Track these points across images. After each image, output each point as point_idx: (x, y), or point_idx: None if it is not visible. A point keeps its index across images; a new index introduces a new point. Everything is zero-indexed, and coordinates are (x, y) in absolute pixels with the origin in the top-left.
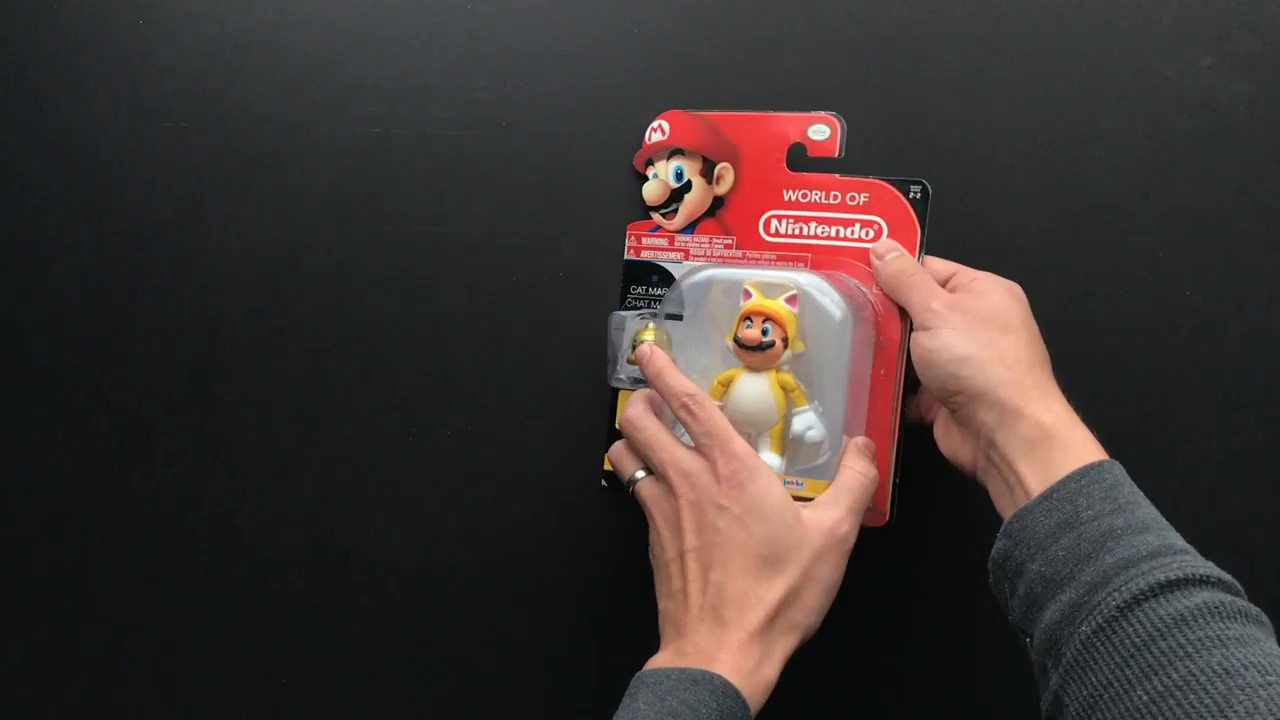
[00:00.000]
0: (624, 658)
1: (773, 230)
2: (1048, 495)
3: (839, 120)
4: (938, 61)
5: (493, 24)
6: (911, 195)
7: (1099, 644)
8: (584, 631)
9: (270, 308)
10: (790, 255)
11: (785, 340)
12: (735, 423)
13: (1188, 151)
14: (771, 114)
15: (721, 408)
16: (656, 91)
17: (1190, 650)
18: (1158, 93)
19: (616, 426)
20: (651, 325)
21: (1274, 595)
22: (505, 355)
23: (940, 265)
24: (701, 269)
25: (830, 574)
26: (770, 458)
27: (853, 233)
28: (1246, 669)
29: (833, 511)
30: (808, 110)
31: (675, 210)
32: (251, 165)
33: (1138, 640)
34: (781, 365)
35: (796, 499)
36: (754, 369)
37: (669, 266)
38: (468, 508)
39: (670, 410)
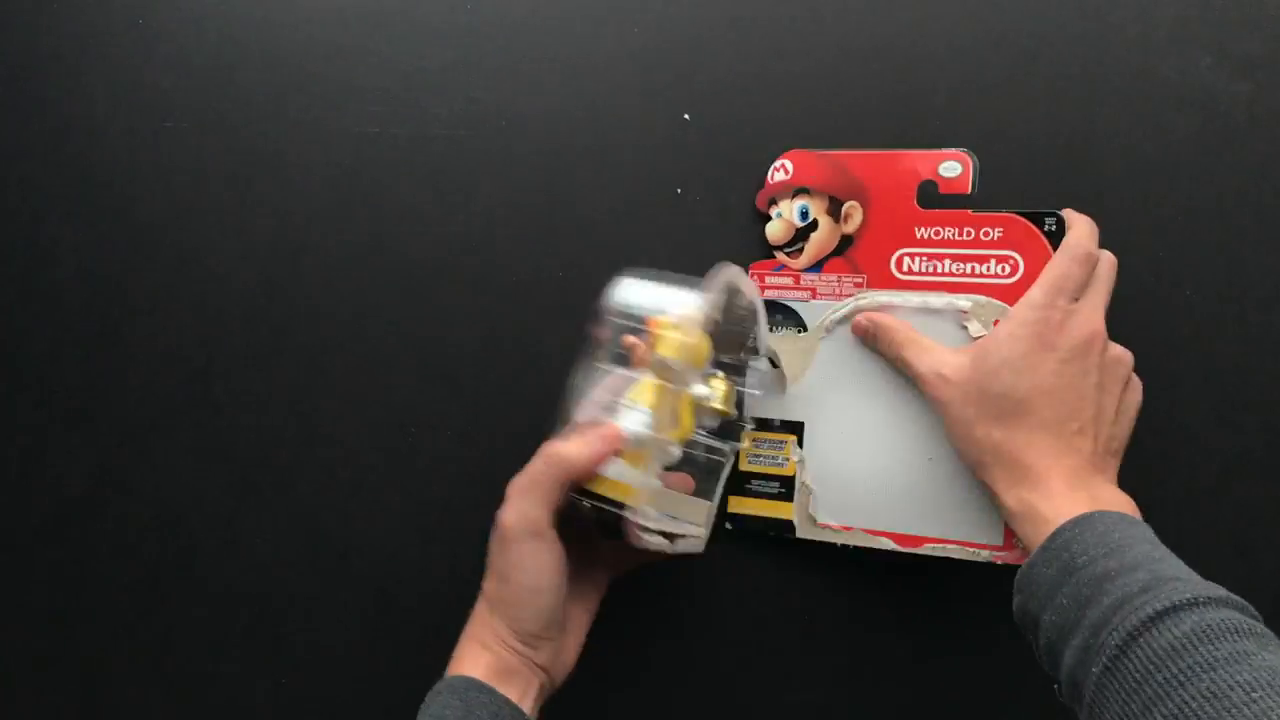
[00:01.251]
0: (623, 657)
1: (905, 268)
2: (1045, 548)
3: (971, 156)
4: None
5: (493, 24)
6: (1046, 228)
7: (1108, 683)
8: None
9: (270, 308)
10: (925, 285)
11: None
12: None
13: (1188, 151)
14: (901, 152)
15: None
16: (657, 91)
17: (1182, 679)
18: (1158, 93)
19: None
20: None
21: (1274, 595)
22: (505, 355)
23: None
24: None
25: (506, 566)
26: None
27: (988, 269)
28: (1233, 689)
29: (502, 509)
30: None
31: (800, 249)
32: (251, 165)
33: (1138, 675)
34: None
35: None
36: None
37: (795, 306)
38: (468, 508)
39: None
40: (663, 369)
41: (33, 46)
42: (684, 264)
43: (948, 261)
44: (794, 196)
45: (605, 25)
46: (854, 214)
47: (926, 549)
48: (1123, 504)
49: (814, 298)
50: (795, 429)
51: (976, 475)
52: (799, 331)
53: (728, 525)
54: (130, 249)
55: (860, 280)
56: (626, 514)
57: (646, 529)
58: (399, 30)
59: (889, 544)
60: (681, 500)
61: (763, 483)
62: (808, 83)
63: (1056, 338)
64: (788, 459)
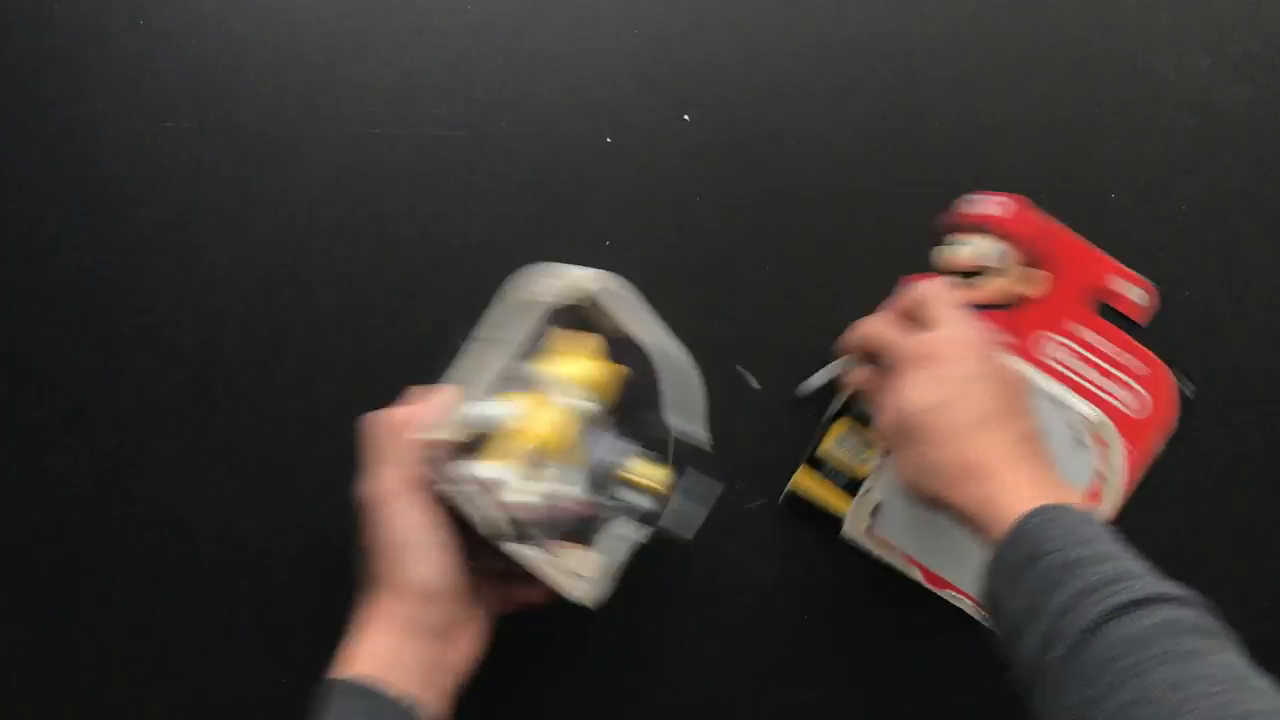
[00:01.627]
0: (621, 656)
1: (1050, 354)
2: (1011, 533)
3: (1159, 294)
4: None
5: (492, 24)
6: (1183, 391)
7: (1068, 667)
8: (583, 630)
9: (270, 308)
10: (1060, 377)
11: None
12: None
13: (1188, 151)
14: (1104, 255)
15: None
16: (657, 91)
17: (1146, 668)
18: (1157, 93)
19: None
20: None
21: (1274, 595)
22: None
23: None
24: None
25: (375, 535)
26: None
27: (1119, 393)
28: (1196, 681)
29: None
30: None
31: (973, 283)
32: (251, 165)
33: (1100, 661)
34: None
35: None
36: None
37: None
38: None
39: None
40: (539, 377)
41: (33, 46)
42: (684, 263)
43: (1089, 367)
44: (997, 237)
45: (605, 25)
46: (1041, 282)
47: (946, 594)
48: (1077, 498)
49: None
50: None
51: (933, 508)
52: None
53: (782, 500)
54: (130, 249)
55: (1004, 339)
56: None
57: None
58: (400, 31)
59: (918, 575)
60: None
61: (835, 470)
62: (808, 82)
63: (943, 360)
64: (867, 459)
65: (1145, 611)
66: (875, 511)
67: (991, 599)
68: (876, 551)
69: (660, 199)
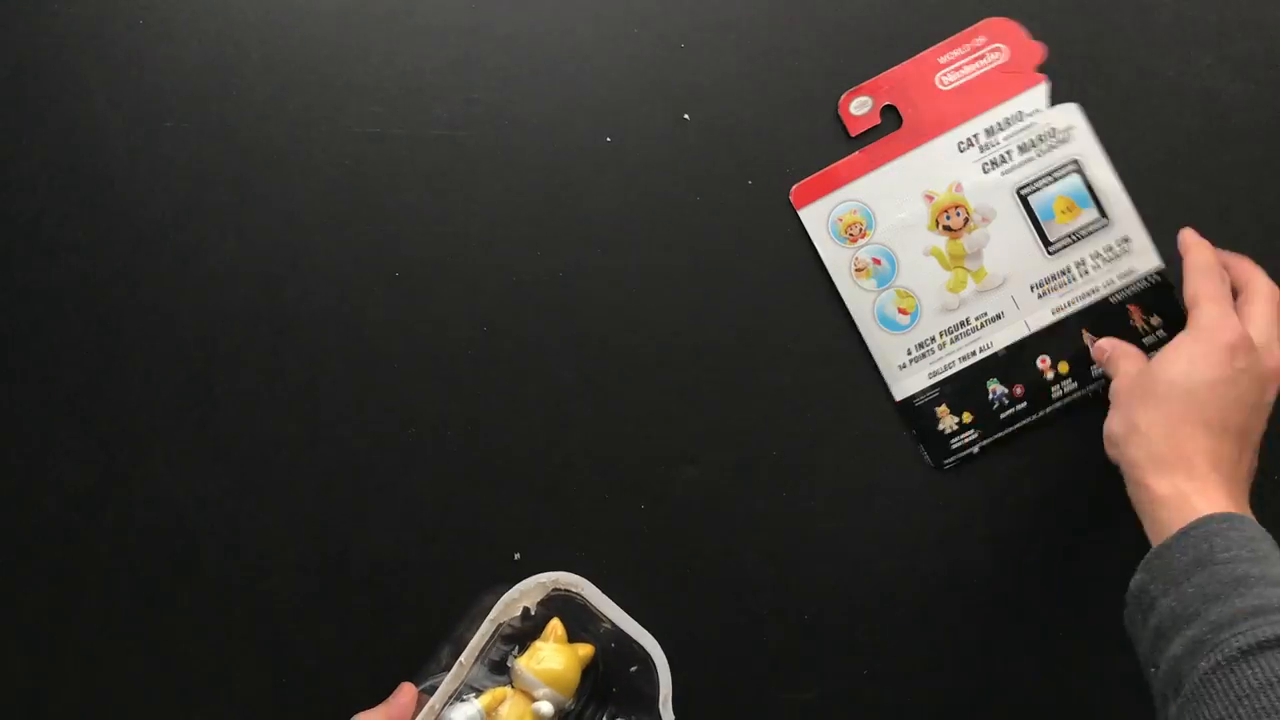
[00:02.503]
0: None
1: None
2: (1185, 532)
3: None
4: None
5: (492, 24)
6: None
7: (1217, 681)
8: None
9: (270, 307)
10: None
11: None
12: None
13: (1188, 151)
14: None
15: None
16: (657, 91)
17: None
18: (1158, 92)
19: None
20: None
21: None
22: (505, 355)
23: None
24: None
25: None
26: None
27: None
28: None
29: None
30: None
31: None
32: (251, 165)
33: (1255, 684)
34: None
35: None
36: None
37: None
38: (467, 508)
39: None
40: (516, 675)
41: (33, 46)
42: (683, 264)
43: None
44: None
45: (605, 25)
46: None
47: None
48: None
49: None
50: None
51: (1123, 462)
52: None
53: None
54: (130, 249)
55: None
56: None
57: None
58: (399, 30)
59: None
60: None
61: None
62: (808, 83)
63: (1234, 350)
64: None
65: None
66: None
67: (1144, 593)
68: None
69: (660, 199)
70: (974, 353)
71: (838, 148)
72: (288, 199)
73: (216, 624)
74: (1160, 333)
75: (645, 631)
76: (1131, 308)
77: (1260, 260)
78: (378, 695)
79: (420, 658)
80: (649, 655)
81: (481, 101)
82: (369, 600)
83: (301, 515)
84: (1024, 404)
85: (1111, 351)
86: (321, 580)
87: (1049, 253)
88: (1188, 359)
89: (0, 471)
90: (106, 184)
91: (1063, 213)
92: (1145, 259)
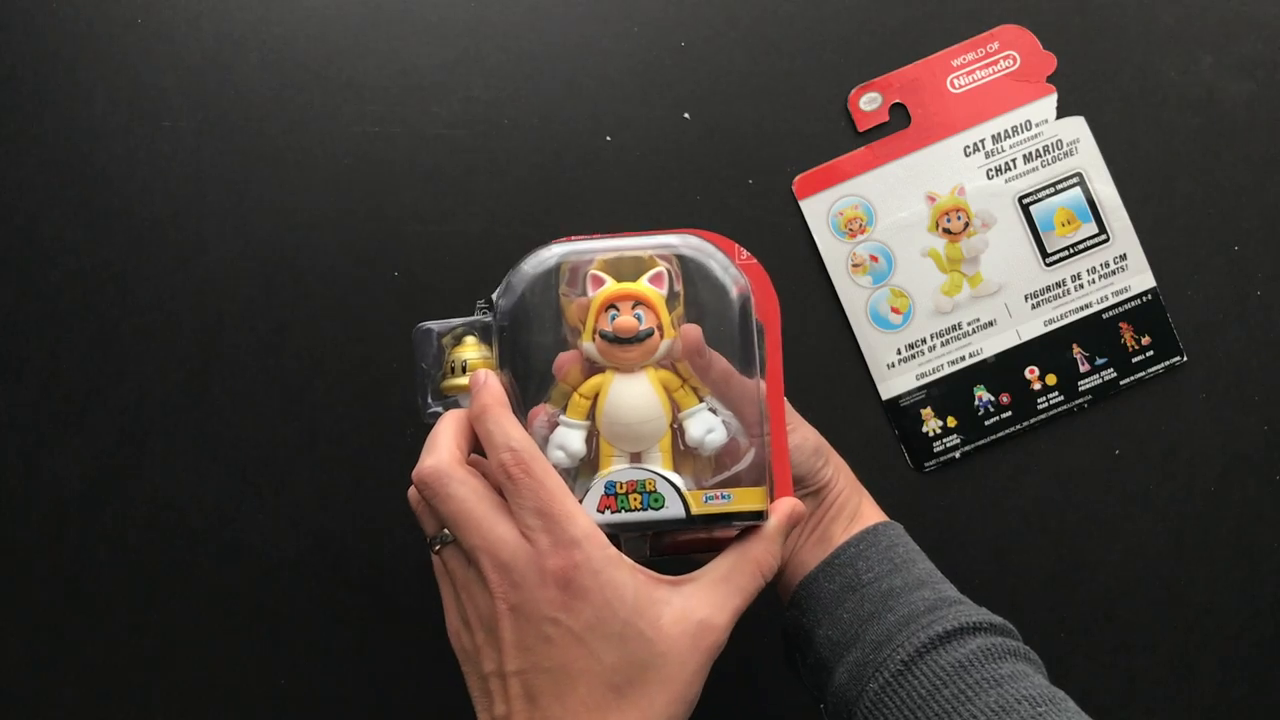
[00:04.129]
0: None
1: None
2: (829, 562)
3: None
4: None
5: (492, 22)
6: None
7: (888, 699)
8: None
9: (270, 308)
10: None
11: (661, 328)
12: (616, 438)
13: (1188, 151)
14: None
15: (593, 425)
16: (657, 91)
17: (970, 694)
18: (1159, 92)
19: (412, 477)
20: (472, 339)
21: (1274, 595)
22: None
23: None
24: (539, 252)
25: (695, 689)
26: (670, 476)
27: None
28: (1019, 703)
29: (710, 607)
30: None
31: None
32: (251, 165)
33: (924, 691)
34: (659, 361)
35: (721, 516)
36: (627, 369)
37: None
38: None
39: (491, 466)
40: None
41: (32, 46)
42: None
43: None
44: None
45: (605, 25)
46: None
47: None
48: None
49: None
50: None
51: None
52: None
53: None
54: (130, 249)
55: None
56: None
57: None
58: (399, 30)
59: None
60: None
61: None
62: (817, 79)
63: None
64: None
65: (962, 640)
66: None
67: (798, 628)
68: None
69: (660, 198)
70: (964, 358)
71: (844, 143)
72: (288, 199)
73: (216, 624)
74: (1149, 352)
75: None
76: (1123, 325)
77: (1262, 259)
78: (377, 694)
79: (420, 658)
80: None
81: (481, 101)
82: (369, 600)
83: (301, 515)
84: (1009, 413)
85: None
86: (321, 580)
87: (1046, 264)
88: None
89: (0, 471)
90: (106, 184)
91: (1063, 225)
92: (1140, 278)
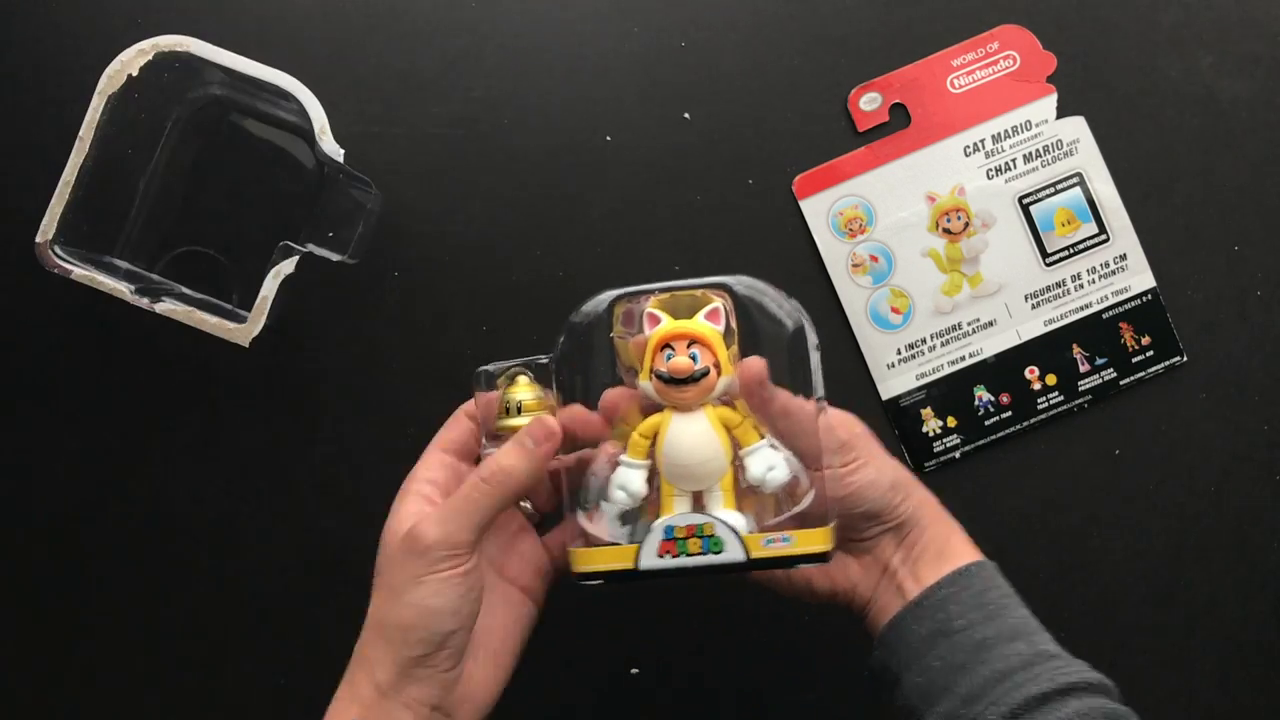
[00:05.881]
0: (620, 657)
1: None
2: (918, 603)
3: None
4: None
5: (493, 22)
6: None
7: None
8: (583, 630)
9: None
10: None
11: (718, 366)
12: (677, 478)
13: (1188, 151)
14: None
15: (654, 464)
16: (657, 91)
17: None
18: (1159, 92)
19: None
20: (525, 379)
21: (1274, 595)
22: (505, 355)
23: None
24: (596, 297)
25: (420, 592)
26: (733, 517)
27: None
28: None
29: (422, 518)
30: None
31: None
32: (251, 165)
33: None
34: (718, 398)
35: (782, 560)
36: (685, 408)
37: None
38: None
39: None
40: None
41: (32, 46)
42: (683, 263)
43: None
44: None
45: (605, 25)
46: None
47: None
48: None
49: None
50: None
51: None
52: None
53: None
54: (129, 248)
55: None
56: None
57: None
58: (399, 30)
59: None
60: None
61: None
62: (817, 79)
63: None
64: None
65: (1059, 703)
66: None
67: (885, 670)
68: None
69: (660, 198)
70: (963, 358)
71: (844, 143)
72: (287, 198)
73: (216, 624)
74: (1149, 352)
75: (279, 71)
76: (1123, 325)
77: (1262, 259)
78: None
79: None
80: (293, 94)
81: (481, 100)
82: (369, 600)
83: (301, 515)
84: (1009, 413)
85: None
86: (321, 580)
87: (1046, 264)
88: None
89: (0, 472)
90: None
91: (1063, 225)
92: (1140, 278)
